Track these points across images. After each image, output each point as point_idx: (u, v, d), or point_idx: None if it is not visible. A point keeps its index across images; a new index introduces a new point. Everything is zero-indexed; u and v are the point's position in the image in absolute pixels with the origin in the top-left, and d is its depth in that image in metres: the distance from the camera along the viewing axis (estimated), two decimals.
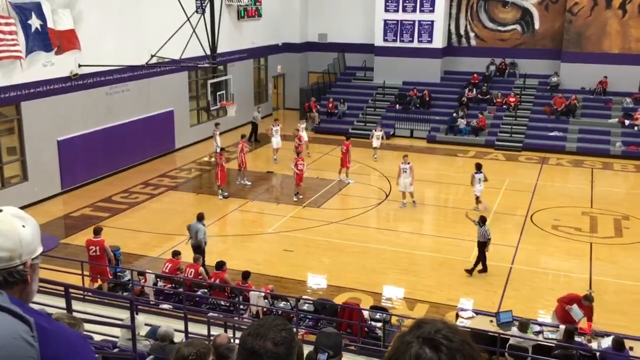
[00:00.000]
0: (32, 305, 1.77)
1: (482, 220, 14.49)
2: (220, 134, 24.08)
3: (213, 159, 24.00)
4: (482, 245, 14.48)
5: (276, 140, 23.99)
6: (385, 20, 30.88)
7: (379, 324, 11.51)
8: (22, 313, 1.60)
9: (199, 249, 14.29)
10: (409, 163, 18.96)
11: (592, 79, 28.53)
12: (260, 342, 1.88)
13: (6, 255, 1.72)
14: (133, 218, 18.15)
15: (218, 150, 22.14)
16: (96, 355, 6.69)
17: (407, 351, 1.41)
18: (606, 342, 10.44)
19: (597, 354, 10.09)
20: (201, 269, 12.93)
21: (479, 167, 18.86)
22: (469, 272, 14.53)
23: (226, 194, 20.17)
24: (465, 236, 16.82)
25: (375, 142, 24.51)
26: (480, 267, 14.61)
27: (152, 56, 21.35)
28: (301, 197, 19.67)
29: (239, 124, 27.86)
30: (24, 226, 1.77)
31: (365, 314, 11.72)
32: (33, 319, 1.60)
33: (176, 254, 13.54)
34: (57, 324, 1.74)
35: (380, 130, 25.05)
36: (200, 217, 14.62)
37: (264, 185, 21.85)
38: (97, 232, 13.29)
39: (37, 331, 1.59)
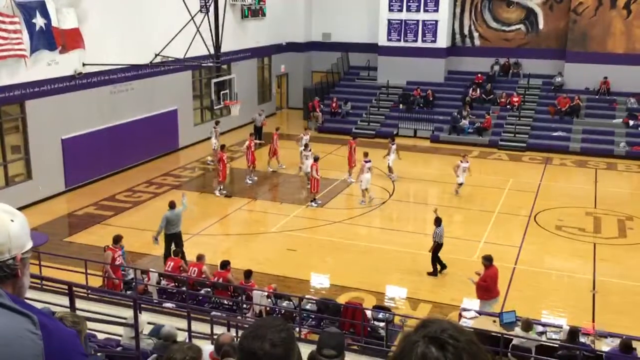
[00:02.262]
0: (35, 304, 1.78)
1: (438, 222, 14.41)
2: (222, 133, 24.09)
3: (211, 159, 24.02)
4: (437, 246, 14.46)
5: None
6: (389, 20, 30.86)
7: (382, 324, 11.50)
8: (25, 310, 1.61)
9: (180, 238, 14.52)
10: (369, 161, 19.49)
11: (596, 79, 28.49)
12: (258, 344, 1.87)
13: None
14: (137, 217, 18.16)
15: (216, 147, 22.20)
16: (99, 353, 6.68)
17: (413, 350, 1.40)
18: (609, 341, 10.43)
19: (603, 355, 10.04)
20: (204, 267, 12.93)
21: (393, 139, 22.47)
22: (433, 274, 14.56)
23: (225, 192, 20.12)
24: (469, 236, 16.83)
25: (461, 177, 20.12)
26: (440, 267, 14.68)
27: (156, 55, 21.39)
28: (320, 202, 19.54)
29: (242, 123, 27.86)
30: (12, 220, 1.77)
31: (368, 313, 11.71)
32: (36, 316, 1.61)
33: (178, 252, 13.57)
34: (54, 320, 1.75)
35: (467, 161, 20.37)
36: (174, 205, 14.72)
37: (268, 184, 21.86)
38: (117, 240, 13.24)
39: (41, 329, 1.60)
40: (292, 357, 1.91)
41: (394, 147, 21.78)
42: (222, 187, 20.17)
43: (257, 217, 19.07)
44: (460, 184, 20.11)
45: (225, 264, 12.70)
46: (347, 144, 22.48)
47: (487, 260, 12.14)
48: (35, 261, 11.76)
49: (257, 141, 22.72)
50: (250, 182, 21.32)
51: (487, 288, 12.02)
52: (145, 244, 15.89)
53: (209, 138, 24.24)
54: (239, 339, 1.97)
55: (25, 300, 1.74)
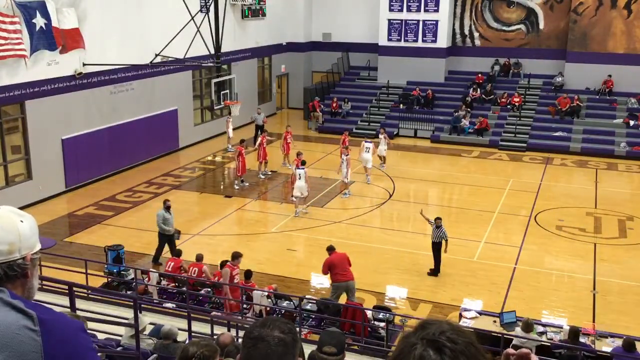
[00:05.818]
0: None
1: (438, 224, 14.35)
2: (222, 133, 24.31)
3: (232, 148, 24.30)
4: (436, 246, 14.43)
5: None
6: (389, 20, 30.86)
7: (382, 324, 11.51)
8: (24, 307, 1.62)
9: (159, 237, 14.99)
10: (369, 141, 20.88)
11: (596, 79, 28.48)
12: (267, 330, 1.92)
13: (6, 248, 1.75)
14: (137, 217, 18.16)
15: (232, 136, 24.17)
16: (98, 353, 6.67)
17: (411, 352, 1.40)
18: (609, 341, 10.44)
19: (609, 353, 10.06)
20: (205, 267, 12.92)
21: (384, 129, 24.39)
22: (433, 273, 14.53)
23: (247, 184, 20.97)
24: (469, 236, 16.83)
25: None
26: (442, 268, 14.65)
27: (156, 55, 21.39)
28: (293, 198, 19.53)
29: (242, 123, 27.86)
30: (22, 221, 1.81)
31: (369, 313, 11.72)
32: (35, 312, 1.63)
33: (178, 253, 13.57)
34: (58, 314, 1.76)
35: None
36: (165, 206, 15.13)
37: (268, 184, 21.86)
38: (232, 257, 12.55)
39: (40, 325, 1.61)
40: (297, 349, 1.95)
41: (381, 135, 22.89)
42: (242, 180, 20.94)
43: (257, 217, 19.06)
44: None
45: (223, 264, 12.69)
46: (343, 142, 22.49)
47: (329, 250, 12.65)
48: None
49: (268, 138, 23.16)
50: (264, 175, 22.09)
51: (334, 272, 12.36)
52: (146, 244, 15.91)
53: (224, 132, 25.60)
54: (245, 330, 2.00)
55: (29, 301, 1.75)
